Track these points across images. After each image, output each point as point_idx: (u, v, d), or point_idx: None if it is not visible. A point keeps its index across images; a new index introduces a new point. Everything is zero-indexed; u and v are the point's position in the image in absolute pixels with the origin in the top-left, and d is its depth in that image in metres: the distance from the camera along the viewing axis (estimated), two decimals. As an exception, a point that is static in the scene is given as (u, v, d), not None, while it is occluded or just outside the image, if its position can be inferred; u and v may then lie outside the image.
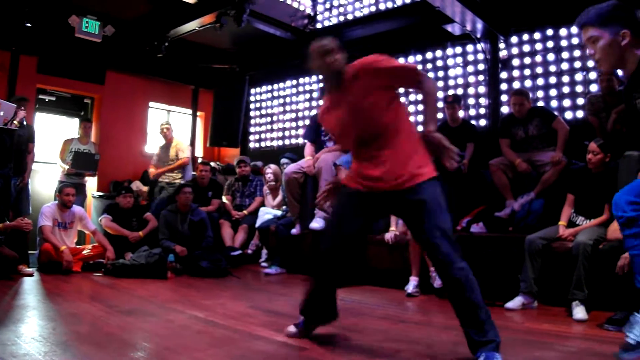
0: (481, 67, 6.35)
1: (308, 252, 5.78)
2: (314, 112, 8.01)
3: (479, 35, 6.05)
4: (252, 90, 9.20)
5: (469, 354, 2.47)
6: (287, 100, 8.66)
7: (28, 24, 6.71)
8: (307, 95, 8.34)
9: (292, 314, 3.73)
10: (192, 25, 7.00)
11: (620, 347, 2.41)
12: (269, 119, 8.98)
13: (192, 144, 9.32)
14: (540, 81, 5.87)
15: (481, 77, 6.35)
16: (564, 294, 3.75)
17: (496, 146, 5.40)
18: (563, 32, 5.71)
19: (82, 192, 7.00)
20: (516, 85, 5.99)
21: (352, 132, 2.82)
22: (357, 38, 7.22)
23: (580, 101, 5.52)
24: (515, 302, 3.98)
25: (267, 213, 6.55)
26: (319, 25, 7.85)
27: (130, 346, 2.77)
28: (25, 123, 5.93)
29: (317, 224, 5.30)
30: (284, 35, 7.55)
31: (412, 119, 6.28)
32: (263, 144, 9.04)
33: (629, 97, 2.43)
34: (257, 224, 6.48)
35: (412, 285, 4.65)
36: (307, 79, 8.33)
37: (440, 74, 6.69)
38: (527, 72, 5.98)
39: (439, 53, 6.73)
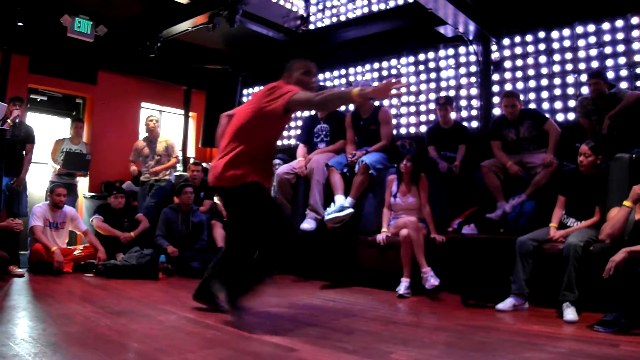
0: (473, 69, 6.38)
1: (300, 253, 5.78)
2: (306, 113, 8.01)
3: (471, 37, 6.07)
4: (245, 91, 9.17)
5: (461, 356, 2.48)
6: (280, 101, 8.61)
7: (20, 23, 6.66)
8: (300, 96, 8.29)
9: (284, 315, 3.74)
10: (185, 26, 6.98)
11: None
12: (261, 120, 8.93)
13: (184, 144, 9.31)
14: (532, 83, 5.90)
15: (473, 79, 6.37)
16: (555, 296, 3.77)
17: (488, 148, 5.43)
18: (555, 34, 5.74)
19: (74, 192, 6.96)
20: (508, 87, 6.02)
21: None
22: (350, 39, 7.25)
23: (572, 103, 5.55)
24: (507, 304, 3.99)
25: (258, 214, 6.52)
26: (311, 27, 7.85)
27: (121, 347, 2.76)
28: (18, 121, 5.88)
29: (308, 224, 5.30)
30: (276, 36, 7.55)
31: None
32: (255, 145, 8.99)
33: None
34: (249, 225, 6.45)
35: (403, 286, 4.65)
36: (299, 80, 8.28)
37: (433, 75, 6.71)
38: (519, 74, 6.01)
39: (431, 55, 6.74)
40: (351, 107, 6.29)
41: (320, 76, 7.96)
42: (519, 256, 4.06)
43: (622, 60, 5.28)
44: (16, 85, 6.94)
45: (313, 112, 6.21)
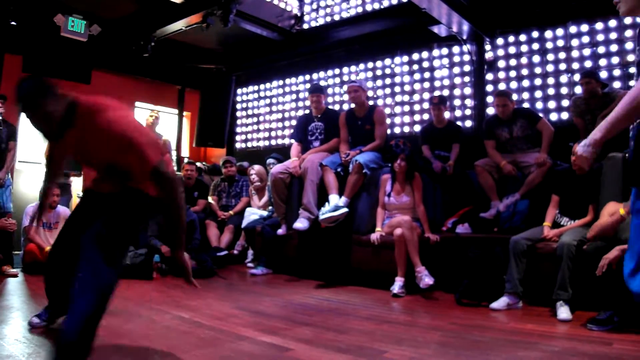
0: (467, 68, 6.39)
1: (294, 253, 5.79)
2: (300, 112, 8.02)
3: (465, 37, 6.08)
4: (239, 91, 9.19)
5: (455, 355, 2.49)
6: (274, 100, 8.66)
7: (13, 23, 6.64)
8: (294, 96, 8.33)
9: (279, 315, 3.74)
10: (179, 25, 6.96)
11: None
12: (255, 119, 8.97)
13: (178, 144, 9.29)
14: (525, 83, 5.92)
15: (467, 79, 6.39)
16: (549, 294, 3.78)
17: (482, 147, 5.44)
18: (548, 34, 5.76)
19: (67, 192, 6.94)
20: (502, 86, 6.04)
21: None
22: (344, 39, 7.25)
23: (565, 103, 5.58)
24: (500, 303, 4.00)
25: (253, 213, 6.54)
26: (305, 26, 7.84)
27: (115, 347, 2.75)
28: (2, 119, 5.82)
29: (301, 224, 5.30)
30: (270, 35, 7.54)
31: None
32: (249, 144, 9.03)
33: None
34: (243, 225, 6.46)
35: (397, 285, 4.65)
36: (293, 80, 8.32)
37: (427, 75, 6.72)
38: (512, 73, 6.03)
39: (425, 54, 6.76)
40: (346, 106, 6.29)
41: (315, 76, 7.97)
42: (513, 255, 4.07)
43: (615, 59, 5.31)
44: (9, 85, 6.79)
45: (307, 111, 6.21)
